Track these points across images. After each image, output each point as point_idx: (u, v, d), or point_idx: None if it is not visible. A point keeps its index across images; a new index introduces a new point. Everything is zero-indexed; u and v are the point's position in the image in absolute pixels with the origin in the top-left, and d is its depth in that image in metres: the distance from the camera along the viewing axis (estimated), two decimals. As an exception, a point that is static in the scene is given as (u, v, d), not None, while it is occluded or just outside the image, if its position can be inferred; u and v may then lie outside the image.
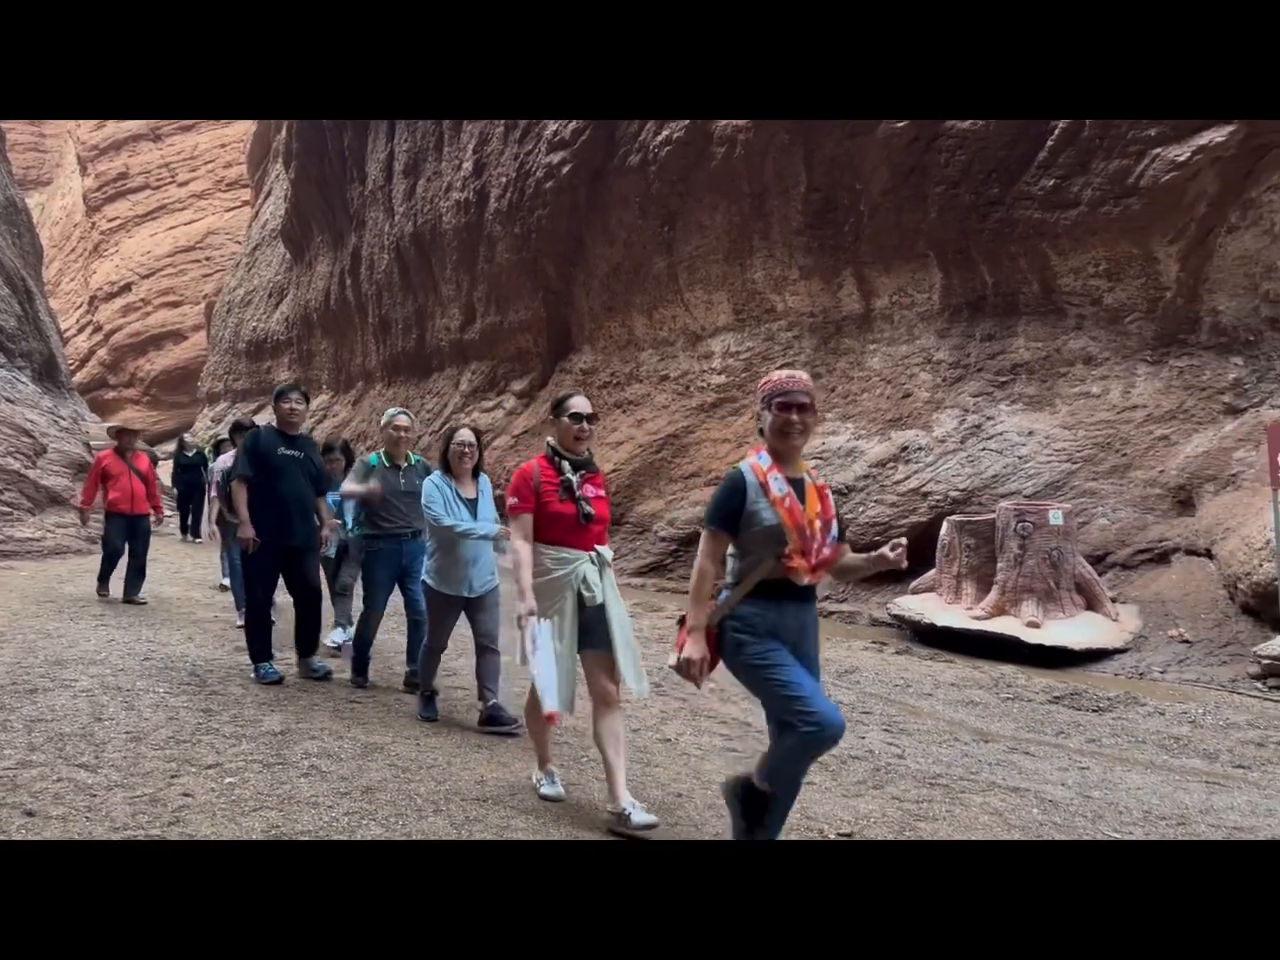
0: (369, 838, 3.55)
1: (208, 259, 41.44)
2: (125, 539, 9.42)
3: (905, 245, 11.77)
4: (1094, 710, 7.03)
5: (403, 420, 6.46)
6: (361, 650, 6.35)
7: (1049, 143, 10.29)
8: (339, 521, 7.08)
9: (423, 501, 5.41)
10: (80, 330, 44.98)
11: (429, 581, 5.42)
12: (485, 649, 5.43)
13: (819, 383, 12.71)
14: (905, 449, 11.36)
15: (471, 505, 5.44)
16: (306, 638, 6.45)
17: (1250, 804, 4.95)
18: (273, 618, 6.38)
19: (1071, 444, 10.32)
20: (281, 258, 29.60)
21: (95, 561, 10.12)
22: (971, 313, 11.52)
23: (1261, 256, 9.76)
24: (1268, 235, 9.66)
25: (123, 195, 43.40)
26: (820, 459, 11.89)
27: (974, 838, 4.08)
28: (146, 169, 43.03)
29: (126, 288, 42.21)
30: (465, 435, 5.54)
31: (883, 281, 12.20)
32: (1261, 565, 8.11)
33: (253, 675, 6.18)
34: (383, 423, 6.50)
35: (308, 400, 6.71)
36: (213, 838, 3.46)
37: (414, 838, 3.57)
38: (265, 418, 19.74)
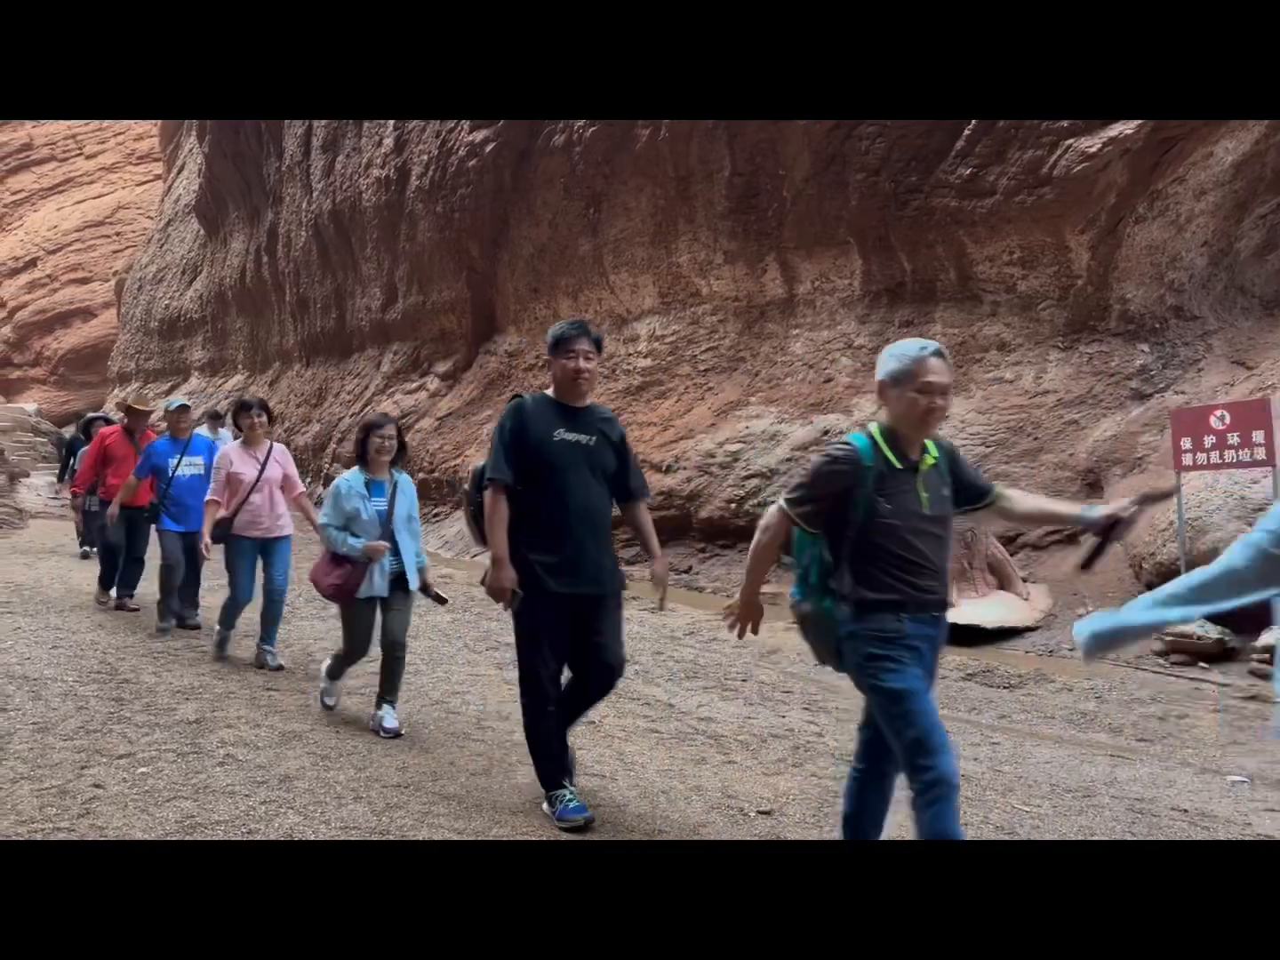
0: (286, 826, 3.51)
1: (118, 234, 40.13)
2: (124, 533, 8.00)
3: (827, 232, 11.89)
4: (1005, 687, 7.24)
5: (938, 370, 2.91)
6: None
7: (966, 132, 10.47)
8: (385, 545, 4.91)
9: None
10: (-18, 307, 43.28)
11: None
12: None
13: (743, 368, 12.82)
14: (827, 433, 11.51)
15: None
16: (578, 714, 4.04)
17: (1151, 775, 5.16)
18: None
19: (985, 428, 10.56)
20: (195, 234, 28.76)
21: (-1, 547, 9.76)
22: (891, 299, 11.70)
23: (1167, 246, 10.08)
24: (1173, 226, 9.99)
25: (27, 167, 41.80)
26: (744, 442, 11.99)
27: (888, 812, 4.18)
28: (52, 140, 41.48)
29: (32, 263, 40.72)
30: None
31: (805, 267, 12.32)
32: (1165, 546, 8.41)
33: (545, 808, 3.76)
34: (898, 369, 2.94)
35: (600, 349, 3.91)
36: (125, 829, 3.39)
37: (332, 825, 3.54)
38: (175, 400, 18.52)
